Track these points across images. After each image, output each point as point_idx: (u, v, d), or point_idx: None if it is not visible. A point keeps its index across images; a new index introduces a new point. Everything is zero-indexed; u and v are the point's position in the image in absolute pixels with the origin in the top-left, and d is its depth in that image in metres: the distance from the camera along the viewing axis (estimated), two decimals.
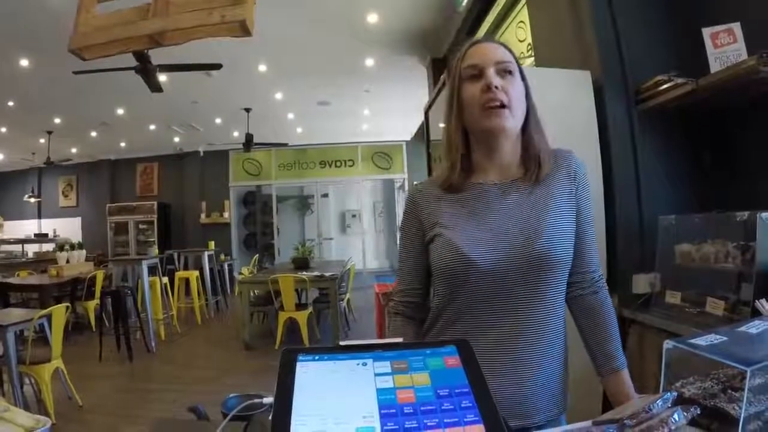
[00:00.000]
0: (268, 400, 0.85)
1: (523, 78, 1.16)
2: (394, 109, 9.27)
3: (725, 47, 2.02)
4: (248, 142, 9.04)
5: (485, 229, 1.12)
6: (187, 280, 8.01)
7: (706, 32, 2.06)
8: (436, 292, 1.21)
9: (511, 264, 1.08)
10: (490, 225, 1.12)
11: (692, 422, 0.78)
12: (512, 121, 1.11)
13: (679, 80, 2.12)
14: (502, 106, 1.09)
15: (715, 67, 2.02)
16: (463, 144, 1.18)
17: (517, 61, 1.16)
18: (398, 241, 1.32)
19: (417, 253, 1.24)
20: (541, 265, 1.08)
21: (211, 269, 8.69)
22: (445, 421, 0.69)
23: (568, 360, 1.21)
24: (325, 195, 13.30)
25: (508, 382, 1.10)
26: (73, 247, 7.60)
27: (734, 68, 1.87)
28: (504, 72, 1.12)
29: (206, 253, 8.66)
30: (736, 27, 2.02)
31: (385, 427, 0.68)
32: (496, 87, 1.09)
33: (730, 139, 2.30)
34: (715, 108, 2.24)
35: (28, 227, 12.29)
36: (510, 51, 1.17)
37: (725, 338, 0.89)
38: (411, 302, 1.28)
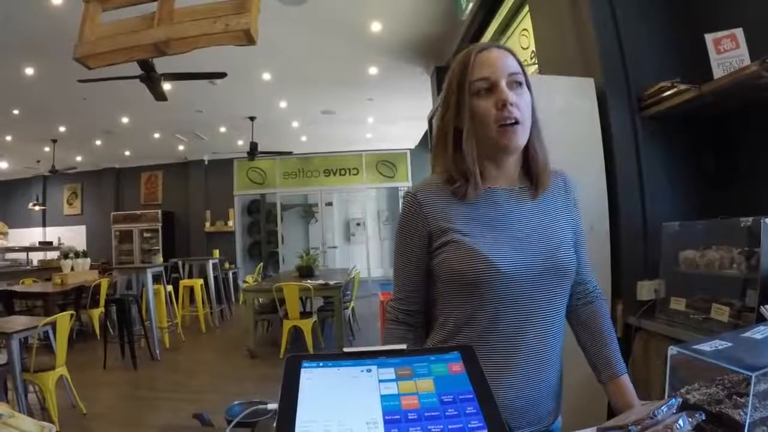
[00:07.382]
0: (273, 406, 0.85)
1: (529, 88, 1.13)
2: (398, 117, 9.29)
3: (728, 53, 2.02)
4: (253, 151, 9.09)
5: (504, 235, 1.11)
6: (191, 289, 8.01)
7: (709, 38, 2.06)
8: (448, 303, 1.15)
9: (531, 269, 1.08)
10: (508, 231, 1.11)
11: (697, 428, 0.78)
12: (524, 136, 1.10)
13: (683, 86, 2.11)
14: (516, 122, 1.07)
15: (718, 72, 2.02)
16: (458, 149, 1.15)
17: (523, 70, 1.13)
18: (395, 246, 1.24)
19: (417, 258, 1.18)
20: (559, 272, 1.11)
21: (215, 277, 8.69)
22: (450, 427, 0.69)
23: (570, 364, 1.23)
24: (330, 203, 13.31)
25: (529, 386, 1.09)
26: (77, 255, 7.64)
27: (737, 74, 1.87)
28: (514, 84, 1.10)
29: (211, 262, 8.67)
30: (739, 33, 2.02)
31: None
32: (511, 104, 1.06)
33: (734, 145, 2.30)
34: (719, 114, 2.24)
35: (32, 235, 12.34)
36: (517, 59, 1.14)
37: (730, 344, 0.89)
38: (410, 310, 1.22)
